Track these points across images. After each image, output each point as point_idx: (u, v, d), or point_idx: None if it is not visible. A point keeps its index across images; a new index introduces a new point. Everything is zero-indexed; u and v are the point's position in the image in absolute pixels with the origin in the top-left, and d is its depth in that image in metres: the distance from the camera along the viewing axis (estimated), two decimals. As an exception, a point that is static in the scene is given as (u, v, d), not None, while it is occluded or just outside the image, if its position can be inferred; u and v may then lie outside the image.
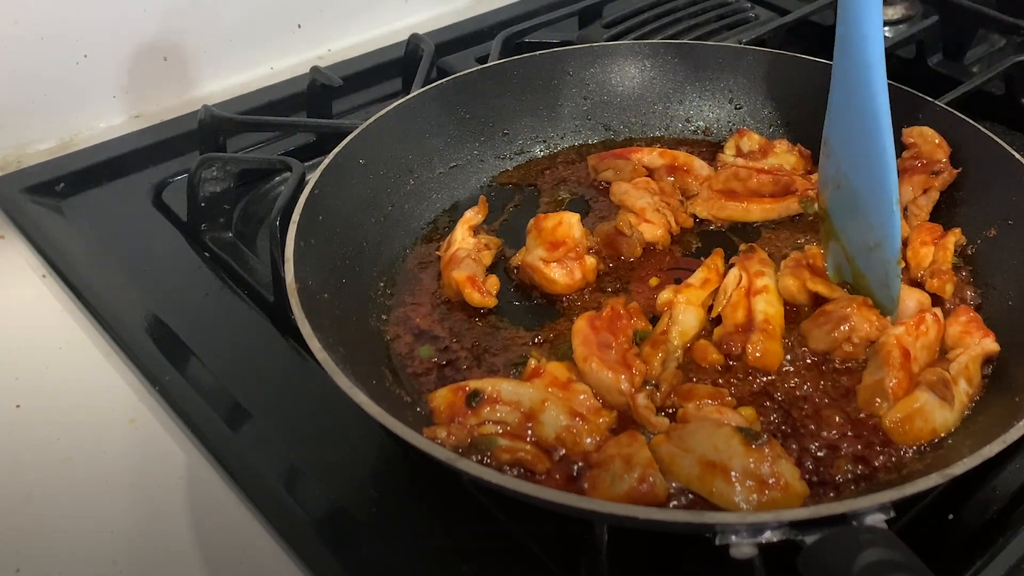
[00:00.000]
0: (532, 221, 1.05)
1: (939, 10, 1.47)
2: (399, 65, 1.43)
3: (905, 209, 1.10)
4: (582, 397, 0.88)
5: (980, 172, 1.08)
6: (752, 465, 0.77)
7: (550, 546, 0.81)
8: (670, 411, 0.88)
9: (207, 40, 1.47)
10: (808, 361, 0.93)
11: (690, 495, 0.79)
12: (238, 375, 0.98)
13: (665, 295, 0.99)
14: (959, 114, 1.11)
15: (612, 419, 0.87)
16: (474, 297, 1.00)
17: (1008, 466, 0.88)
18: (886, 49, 1.37)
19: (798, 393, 0.90)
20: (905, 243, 1.06)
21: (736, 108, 1.26)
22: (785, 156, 1.18)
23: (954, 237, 1.04)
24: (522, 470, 0.81)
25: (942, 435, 0.86)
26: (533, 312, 1.02)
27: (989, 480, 0.87)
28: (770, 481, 0.77)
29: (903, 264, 1.02)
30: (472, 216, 1.10)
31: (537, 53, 1.25)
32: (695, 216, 1.13)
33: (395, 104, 1.14)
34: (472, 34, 1.58)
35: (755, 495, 0.76)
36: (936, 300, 0.99)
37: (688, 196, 1.16)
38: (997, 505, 0.85)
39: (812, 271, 1.00)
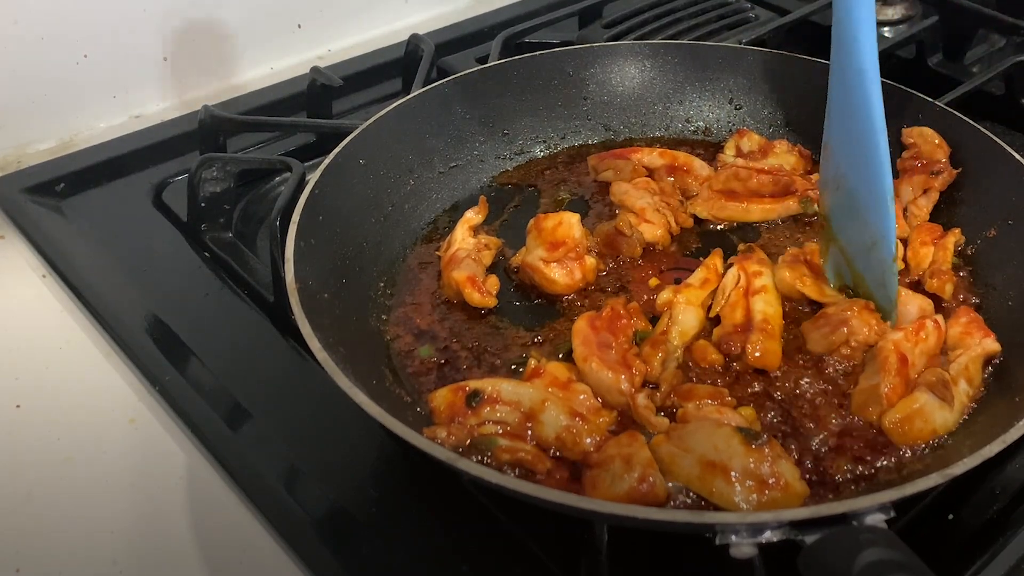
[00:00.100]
0: (532, 221, 1.05)
1: (939, 10, 1.47)
2: (399, 65, 1.43)
3: (905, 209, 1.10)
4: (582, 397, 0.88)
5: (980, 172, 1.08)
6: (752, 465, 0.77)
7: (550, 546, 0.81)
8: (670, 411, 0.88)
9: (207, 40, 1.47)
10: (808, 361, 0.93)
11: (690, 495, 0.79)
12: (238, 375, 0.98)
13: (664, 295, 0.99)
14: (959, 114, 1.12)
15: (612, 419, 0.87)
16: (474, 297, 1.00)
17: (1008, 466, 0.88)
18: (886, 49, 1.39)
19: (798, 393, 0.90)
20: (905, 243, 1.06)
21: (736, 108, 1.26)
22: (785, 156, 1.18)
23: (954, 237, 1.04)
24: (522, 470, 0.81)
25: (942, 436, 0.86)
26: (533, 312, 1.02)
27: (989, 480, 0.87)
28: (770, 481, 0.77)
29: (901, 265, 1.02)
30: (472, 216, 1.10)
31: (537, 53, 1.25)
32: (695, 216, 1.13)
33: (395, 104, 1.14)
34: (472, 34, 1.59)
35: (755, 495, 0.76)
36: (936, 300, 0.99)
37: (688, 196, 1.16)
38: (997, 505, 0.85)
39: (810, 267, 1.00)
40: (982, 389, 0.90)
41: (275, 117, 1.35)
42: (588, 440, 0.83)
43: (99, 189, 1.27)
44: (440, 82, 1.19)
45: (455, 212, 1.14)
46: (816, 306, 0.99)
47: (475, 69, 1.22)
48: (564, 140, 1.26)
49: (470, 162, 1.20)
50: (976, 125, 1.09)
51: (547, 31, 1.48)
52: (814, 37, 1.51)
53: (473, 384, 0.86)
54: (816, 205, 1.12)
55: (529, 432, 0.83)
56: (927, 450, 0.85)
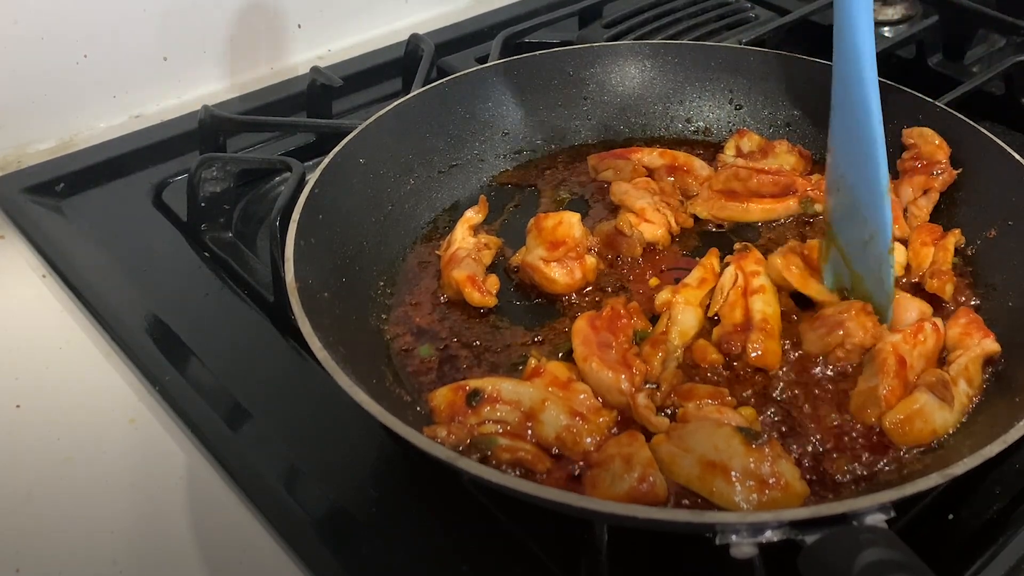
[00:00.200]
0: (532, 221, 1.05)
1: (939, 10, 1.47)
2: (399, 65, 1.43)
3: (905, 210, 1.10)
4: (582, 397, 0.88)
5: (980, 172, 1.08)
6: (752, 465, 0.77)
7: (550, 546, 0.81)
8: (670, 411, 0.88)
9: (207, 40, 1.47)
10: (808, 361, 0.93)
11: (690, 495, 0.79)
12: (238, 375, 0.98)
13: (663, 296, 0.99)
14: (959, 114, 1.12)
15: (612, 419, 0.87)
16: (474, 297, 1.00)
17: (1008, 466, 0.88)
18: (886, 49, 1.39)
19: (798, 392, 0.90)
20: (905, 244, 1.06)
21: (736, 108, 1.26)
22: (785, 156, 1.18)
23: (954, 237, 1.04)
24: (522, 470, 0.81)
25: (942, 436, 0.86)
26: (533, 312, 1.02)
27: (989, 480, 0.87)
28: (770, 481, 0.77)
29: (901, 271, 1.02)
30: (472, 216, 1.10)
31: (537, 53, 1.25)
32: (695, 216, 1.14)
33: (395, 104, 1.14)
34: (472, 34, 1.58)
35: (755, 495, 0.76)
36: (936, 301, 0.99)
37: (688, 196, 1.16)
38: (997, 505, 0.85)
39: (804, 260, 1.00)
40: (982, 389, 0.90)
41: (275, 117, 1.35)
42: (588, 440, 0.83)
43: (99, 189, 1.27)
44: (440, 82, 1.19)
45: (455, 212, 1.14)
46: (810, 308, 0.99)
47: (475, 69, 1.22)
48: (564, 140, 1.26)
49: (470, 162, 1.20)
50: (976, 125, 1.09)
51: (547, 31, 1.48)
52: (814, 37, 1.50)
53: (473, 383, 0.86)
54: (816, 205, 1.12)
55: (529, 432, 0.83)
56: (927, 450, 0.85)
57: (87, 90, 1.39)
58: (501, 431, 0.83)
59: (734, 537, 0.69)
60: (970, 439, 0.83)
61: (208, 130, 1.25)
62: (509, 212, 1.16)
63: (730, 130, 1.26)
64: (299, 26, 1.57)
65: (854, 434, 0.86)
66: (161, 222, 1.21)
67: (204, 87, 1.49)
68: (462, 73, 1.21)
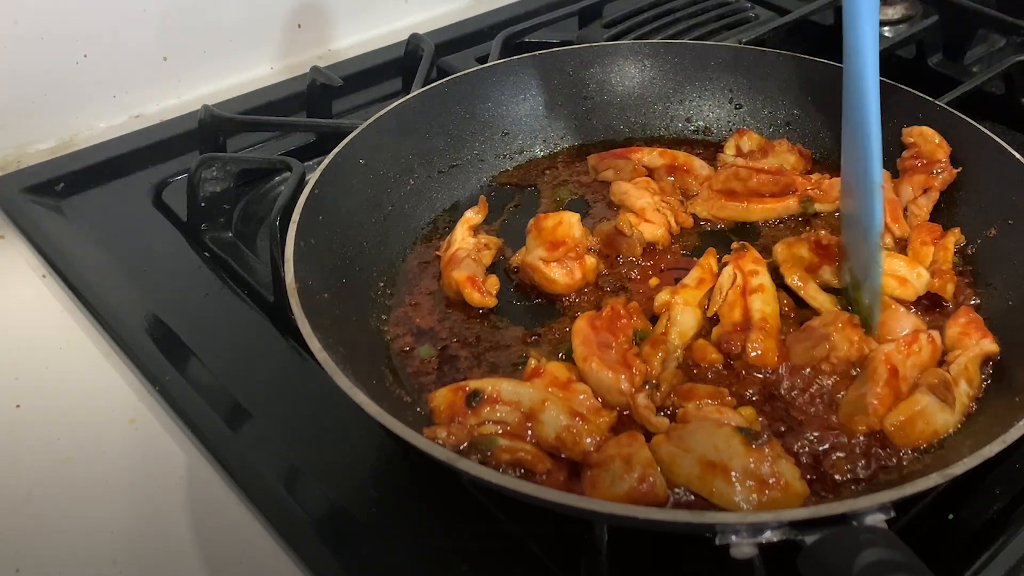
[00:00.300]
0: (532, 221, 1.05)
1: (939, 10, 1.47)
2: (399, 65, 1.43)
3: (905, 209, 1.10)
4: (582, 397, 0.88)
5: (980, 172, 1.08)
6: (752, 465, 0.77)
7: (550, 546, 0.81)
8: (670, 411, 0.88)
9: (207, 40, 1.47)
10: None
11: (690, 495, 0.79)
12: (238, 375, 0.98)
13: (662, 296, 0.99)
14: (959, 114, 1.12)
15: (612, 419, 0.87)
16: (474, 297, 1.00)
17: (1008, 466, 0.88)
18: (886, 49, 1.39)
19: (798, 392, 0.90)
20: (905, 243, 1.06)
21: (736, 108, 1.26)
22: (785, 156, 1.18)
23: (954, 237, 1.04)
24: (522, 470, 0.81)
25: (943, 437, 0.86)
26: (533, 312, 1.02)
27: (989, 480, 0.87)
28: (770, 481, 0.77)
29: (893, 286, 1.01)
30: (472, 216, 1.10)
31: (537, 53, 1.25)
32: (695, 216, 1.14)
33: (395, 104, 1.14)
34: (472, 34, 1.58)
35: (755, 495, 0.76)
36: (937, 299, 0.99)
37: (688, 196, 1.16)
38: (997, 505, 0.85)
39: (813, 248, 1.01)
40: (981, 389, 0.90)
41: (275, 117, 1.35)
42: (588, 440, 0.82)
43: (99, 189, 1.27)
44: (440, 82, 1.19)
45: (455, 212, 1.14)
46: (809, 308, 0.99)
47: (475, 69, 1.22)
48: (564, 140, 1.26)
49: (470, 162, 1.20)
50: (976, 125, 1.09)
51: (547, 31, 1.48)
52: (814, 37, 1.51)
53: (473, 384, 0.86)
54: (816, 204, 1.12)
55: (529, 432, 0.83)
56: (927, 450, 0.85)
57: (87, 90, 1.39)
58: (501, 432, 0.83)
59: (734, 537, 0.69)
60: (970, 439, 0.83)
61: (208, 130, 1.25)
62: (509, 212, 1.16)
63: (730, 130, 1.26)
64: (299, 26, 1.57)
65: (855, 434, 0.86)
66: (161, 222, 1.21)
67: (204, 87, 1.49)
68: (462, 73, 1.21)
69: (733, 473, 0.77)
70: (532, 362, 0.91)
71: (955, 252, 1.04)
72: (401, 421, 0.75)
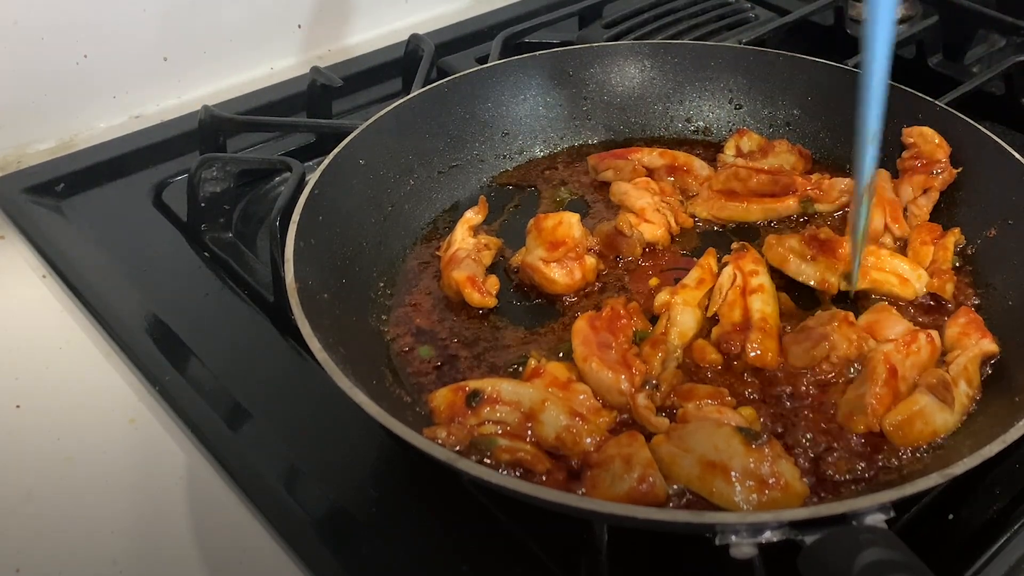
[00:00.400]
0: (532, 221, 1.05)
1: (939, 10, 1.47)
2: (399, 65, 1.43)
3: (905, 209, 1.10)
4: (582, 397, 0.88)
5: (980, 172, 1.08)
6: (752, 465, 0.77)
7: (550, 546, 0.81)
8: (670, 411, 0.88)
9: (207, 40, 1.47)
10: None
11: (690, 495, 0.79)
12: (238, 375, 0.98)
13: (662, 297, 0.99)
14: (959, 114, 1.12)
15: (612, 419, 0.87)
16: (474, 297, 1.00)
17: (1008, 466, 0.88)
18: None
19: (797, 392, 0.90)
20: (905, 243, 1.06)
21: (736, 108, 1.26)
22: (785, 156, 1.18)
23: (954, 237, 1.05)
24: (522, 470, 0.81)
25: (943, 437, 0.85)
26: (533, 312, 1.02)
27: (989, 480, 0.87)
28: (770, 481, 0.77)
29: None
30: (472, 216, 1.10)
31: (537, 53, 1.25)
32: (695, 216, 1.14)
33: (395, 104, 1.14)
34: (472, 34, 1.58)
35: (755, 495, 0.76)
36: (937, 300, 0.99)
37: (688, 196, 1.16)
38: (997, 505, 0.85)
39: (809, 243, 1.01)
40: (981, 389, 0.90)
41: (275, 117, 1.35)
42: (588, 440, 0.83)
43: (99, 189, 1.27)
44: (440, 82, 1.19)
45: (455, 212, 1.14)
46: (809, 309, 0.99)
47: (475, 69, 1.22)
48: (564, 140, 1.26)
49: (470, 162, 1.20)
50: (976, 125, 1.09)
51: (547, 31, 1.48)
52: (814, 37, 1.51)
53: (473, 384, 0.86)
54: (816, 204, 1.12)
55: (529, 432, 0.83)
56: (927, 450, 0.85)
57: (87, 90, 1.39)
58: (501, 432, 0.83)
59: (734, 537, 0.69)
60: (970, 439, 0.83)
61: (208, 130, 1.25)
62: (509, 212, 1.16)
63: (730, 130, 1.26)
64: (299, 26, 1.57)
65: (854, 434, 0.86)
66: (161, 222, 1.21)
67: (204, 87, 1.49)
68: (462, 73, 1.21)
69: (733, 473, 0.77)
70: (532, 362, 0.91)
71: (955, 252, 1.04)
72: (401, 421, 0.75)
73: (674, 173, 1.18)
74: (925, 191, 1.09)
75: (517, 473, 0.81)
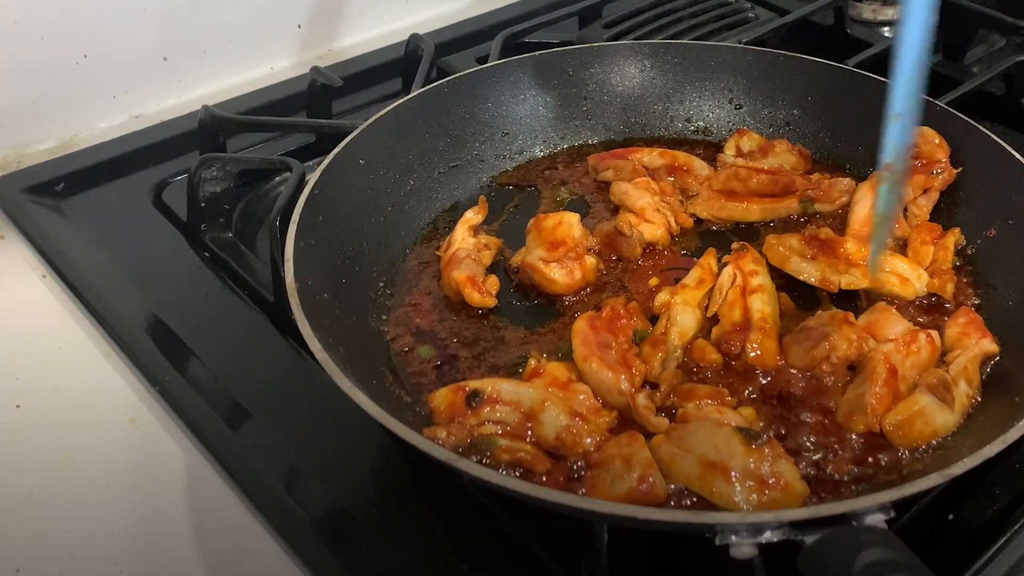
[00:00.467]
0: (532, 221, 1.05)
1: (939, 10, 1.46)
2: (399, 65, 1.43)
3: (905, 209, 1.10)
4: (582, 397, 0.88)
5: (980, 172, 1.08)
6: (752, 465, 0.77)
7: (550, 546, 0.81)
8: (670, 411, 0.88)
9: (207, 40, 1.47)
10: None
11: (690, 495, 0.79)
12: (238, 375, 0.98)
13: (662, 297, 0.99)
14: (959, 114, 1.11)
15: (612, 419, 0.87)
16: (474, 297, 1.00)
17: (1008, 466, 0.88)
18: (886, 49, 1.39)
19: (798, 392, 0.90)
20: (905, 243, 1.06)
21: (736, 108, 1.26)
22: (785, 156, 1.18)
23: (954, 237, 1.05)
24: (522, 470, 0.81)
25: (943, 437, 0.85)
26: (533, 312, 1.02)
27: (989, 480, 0.87)
28: (770, 481, 0.77)
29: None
30: (472, 216, 1.10)
31: (537, 53, 1.25)
32: (695, 216, 1.14)
33: (395, 104, 1.14)
34: (472, 34, 1.58)
35: (755, 495, 0.76)
36: (937, 300, 0.99)
37: (688, 196, 1.16)
38: (997, 505, 0.85)
39: (808, 242, 1.01)
40: (981, 389, 0.90)
41: (275, 117, 1.35)
42: (588, 440, 0.83)
43: (99, 189, 1.27)
44: (440, 82, 1.19)
45: (455, 212, 1.14)
46: (809, 309, 0.99)
47: (475, 69, 1.22)
48: (564, 140, 1.26)
49: (470, 162, 1.20)
50: (976, 125, 1.09)
51: (547, 31, 1.48)
52: (814, 37, 1.51)
53: (473, 384, 0.86)
54: (816, 204, 1.12)
55: (529, 432, 0.83)
56: (927, 450, 0.85)
57: (87, 90, 1.39)
58: (501, 432, 0.83)
59: (734, 537, 0.69)
60: (970, 439, 0.83)
61: (208, 130, 1.25)
62: (509, 212, 1.16)
63: (730, 130, 1.26)
64: (299, 26, 1.57)
65: (854, 434, 0.86)
66: (161, 222, 1.21)
67: (204, 87, 1.49)
68: (462, 73, 1.21)
69: (733, 473, 0.77)
70: (532, 362, 0.91)
71: (955, 252, 1.04)
72: (401, 421, 0.75)
73: (674, 173, 1.18)
74: (925, 191, 1.09)
75: (517, 473, 0.81)
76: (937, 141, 1.11)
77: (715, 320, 0.98)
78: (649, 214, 1.09)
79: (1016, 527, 0.83)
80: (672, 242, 1.10)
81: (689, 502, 0.78)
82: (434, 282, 1.05)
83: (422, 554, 0.82)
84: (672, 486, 0.79)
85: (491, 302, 1.01)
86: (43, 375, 1.03)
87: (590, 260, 1.04)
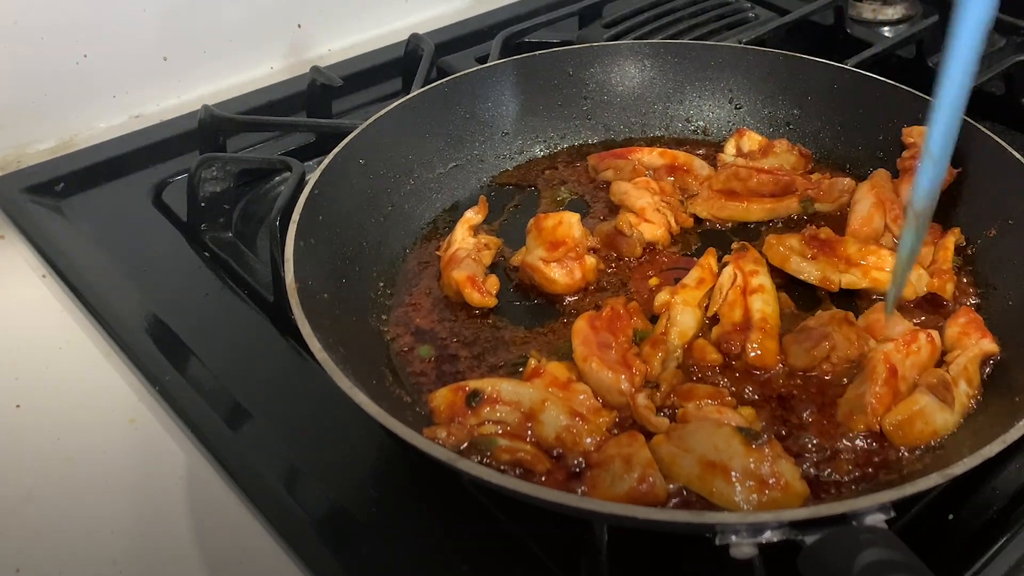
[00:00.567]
0: (532, 221, 1.05)
1: (939, 10, 1.47)
2: (399, 65, 1.43)
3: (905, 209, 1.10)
4: (582, 397, 0.88)
5: (980, 172, 1.08)
6: (752, 465, 0.77)
7: (550, 546, 0.81)
8: (670, 411, 0.88)
9: (207, 40, 1.47)
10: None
11: (690, 495, 0.79)
12: (238, 375, 0.98)
13: (662, 297, 0.99)
14: (959, 114, 1.11)
15: (612, 419, 0.87)
16: (474, 297, 1.00)
17: (1008, 466, 0.88)
18: (886, 49, 1.39)
19: (798, 392, 0.90)
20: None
21: (736, 108, 1.26)
22: (785, 156, 1.18)
23: (953, 237, 1.04)
24: (522, 470, 0.81)
25: (943, 437, 0.85)
26: (533, 312, 1.02)
27: (989, 480, 0.87)
28: (770, 481, 0.77)
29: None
30: (472, 216, 1.10)
31: (537, 53, 1.25)
32: (695, 216, 1.14)
33: (395, 104, 1.14)
34: (472, 34, 1.59)
35: (755, 495, 0.76)
36: (937, 300, 0.99)
37: (688, 196, 1.16)
38: (997, 505, 0.85)
39: (808, 242, 1.00)
40: (981, 389, 0.90)
41: (275, 117, 1.35)
42: (588, 440, 0.83)
43: (99, 189, 1.27)
44: (440, 82, 1.19)
45: (455, 212, 1.14)
46: (809, 309, 0.99)
47: (475, 69, 1.22)
48: (564, 140, 1.26)
49: (470, 162, 1.20)
50: (976, 125, 1.09)
51: (547, 31, 1.48)
52: (814, 37, 1.51)
53: (473, 384, 0.86)
54: (816, 204, 1.13)
55: (529, 432, 0.83)
56: (927, 450, 0.85)
57: (87, 90, 1.39)
58: (501, 432, 0.83)
59: (734, 537, 0.69)
60: (970, 439, 0.83)
61: (208, 130, 1.25)
62: (509, 212, 1.16)
63: (730, 130, 1.26)
64: (299, 26, 1.57)
65: (854, 434, 0.86)
66: (161, 222, 1.21)
67: (204, 87, 1.49)
68: (462, 73, 1.21)
69: (733, 473, 0.77)
70: (532, 362, 0.91)
71: (955, 252, 1.04)
72: (401, 421, 0.75)
73: (674, 173, 1.18)
74: (925, 191, 1.09)
75: (517, 473, 0.81)
76: (937, 141, 1.11)
77: (715, 320, 0.98)
78: (649, 214, 1.09)
79: (1016, 527, 0.83)
80: (672, 242, 1.10)
81: (689, 502, 0.78)
82: (434, 282, 1.05)
83: (422, 554, 0.82)
84: (672, 486, 0.79)
85: (491, 302, 1.01)
86: (43, 375, 1.03)
87: (590, 260, 1.04)
